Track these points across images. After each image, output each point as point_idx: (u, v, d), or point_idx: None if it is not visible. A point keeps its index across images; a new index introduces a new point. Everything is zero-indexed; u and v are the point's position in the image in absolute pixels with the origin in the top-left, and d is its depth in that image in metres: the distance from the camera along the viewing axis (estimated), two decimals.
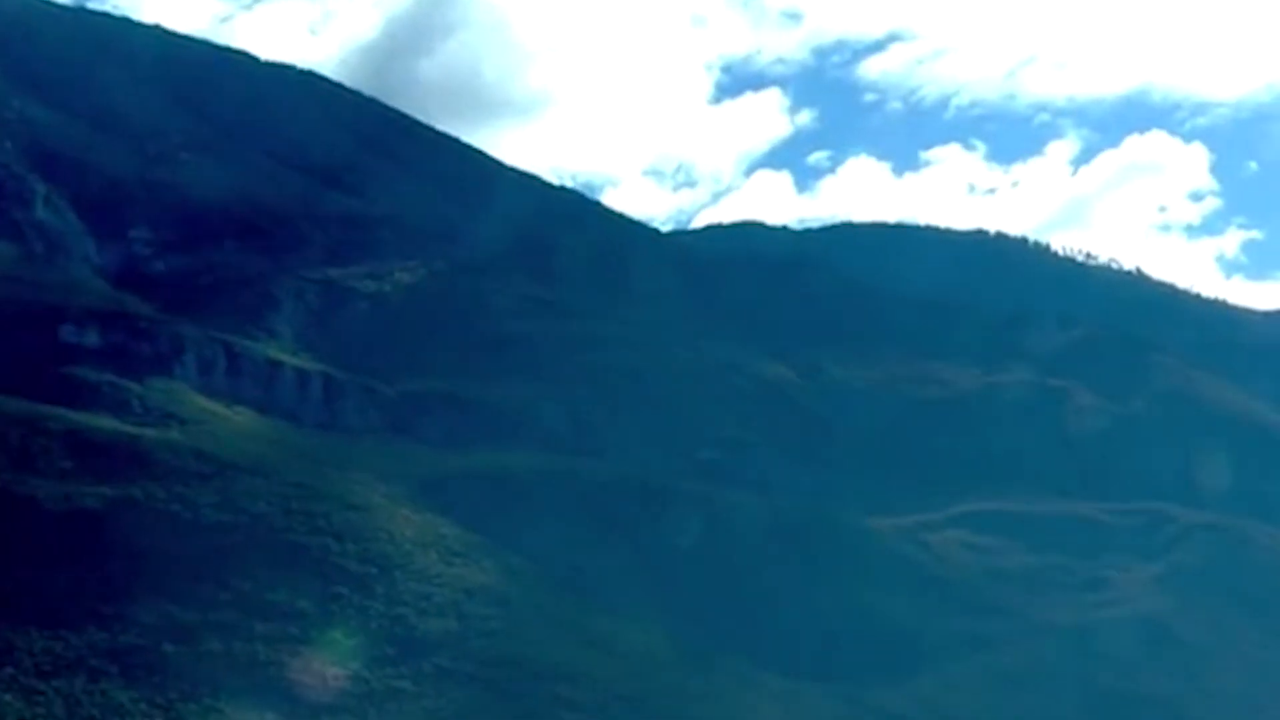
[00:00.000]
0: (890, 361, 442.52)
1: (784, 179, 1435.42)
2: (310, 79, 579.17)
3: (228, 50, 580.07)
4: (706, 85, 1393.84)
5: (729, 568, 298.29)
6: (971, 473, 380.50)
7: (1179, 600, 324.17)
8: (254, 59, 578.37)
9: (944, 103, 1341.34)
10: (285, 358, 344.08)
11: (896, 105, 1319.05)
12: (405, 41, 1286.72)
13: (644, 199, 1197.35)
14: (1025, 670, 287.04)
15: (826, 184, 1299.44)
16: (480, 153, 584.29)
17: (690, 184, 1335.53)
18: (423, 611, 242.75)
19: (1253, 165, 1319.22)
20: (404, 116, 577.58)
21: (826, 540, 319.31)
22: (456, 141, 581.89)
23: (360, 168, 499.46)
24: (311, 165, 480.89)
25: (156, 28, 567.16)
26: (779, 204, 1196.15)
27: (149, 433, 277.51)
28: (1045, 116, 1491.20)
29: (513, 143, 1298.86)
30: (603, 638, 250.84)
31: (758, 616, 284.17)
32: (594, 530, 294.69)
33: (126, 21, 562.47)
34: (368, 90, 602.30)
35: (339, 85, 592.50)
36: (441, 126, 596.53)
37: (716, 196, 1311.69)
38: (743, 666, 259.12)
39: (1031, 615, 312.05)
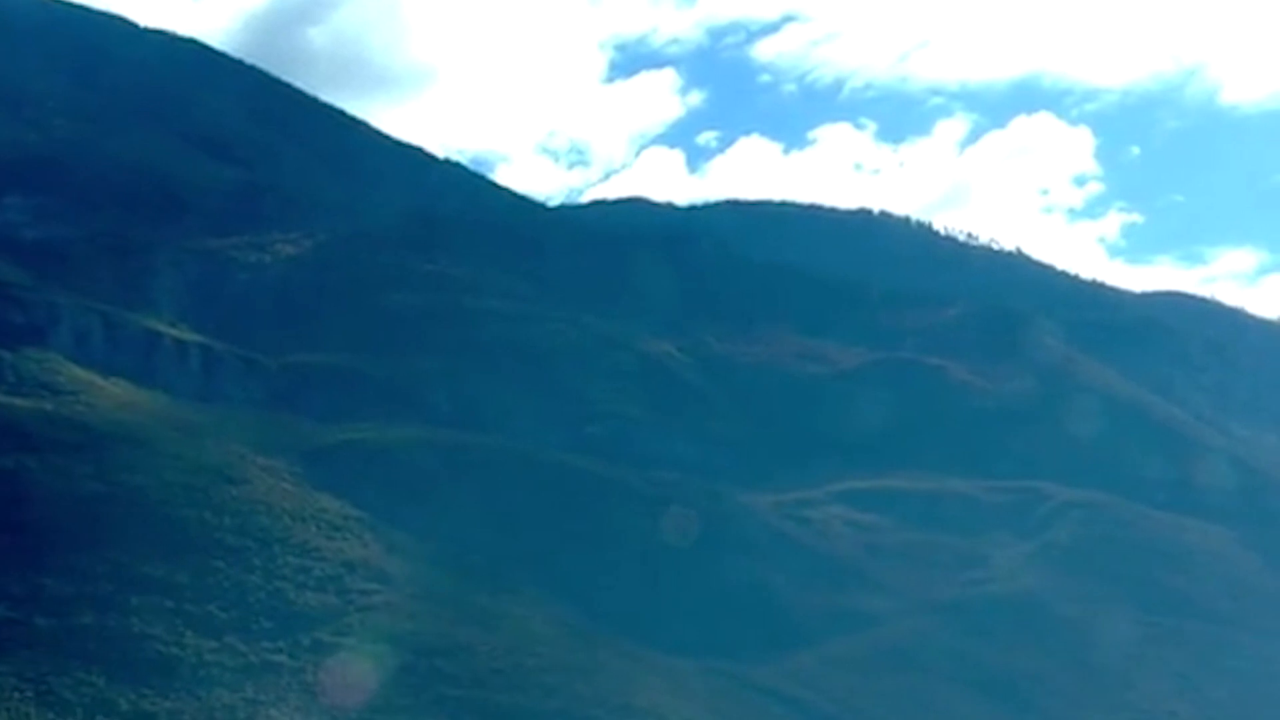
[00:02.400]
0: (772, 338, 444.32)
1: (675, 158, 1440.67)
2: (192, 46, 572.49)
3: (106, 15, 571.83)
4: (600, 64, 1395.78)
5: (611, 543, 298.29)
6: (852, 449, 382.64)
7: (1054, 577, 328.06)
8: (133, 25, 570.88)
9: (838, 85, 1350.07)
10: (163, 328, 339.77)
11: (791, 87, 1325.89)
12: (292, 11, 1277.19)
13: (537, 176, 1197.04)
14: (904, 647, 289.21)
15: (717, 163, 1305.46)
16: (366, 125, 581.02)
17: (583, 162, 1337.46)
18: (301, 585, 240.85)
19: (1135, 150, 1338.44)
20: (289, 87, 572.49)
21: (708, 516, 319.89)
22: (342, 113, 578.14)
23: (243, 137, 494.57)
24: (193, 134, 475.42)
25: None
26: (670, 183, 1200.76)
27: (22, 403, 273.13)
28: (938, 100, 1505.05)
29: (403, 117, 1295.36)
30: (483, 612, 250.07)
31: (640, 592, 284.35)
32: (476, 505, 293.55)
33: None
34: (251, 59, 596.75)
35: (221, 54, 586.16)
36: (328, 98, 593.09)
37: (609, 175, 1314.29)
38: (624, 642, 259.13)
39: (910, 592, 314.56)
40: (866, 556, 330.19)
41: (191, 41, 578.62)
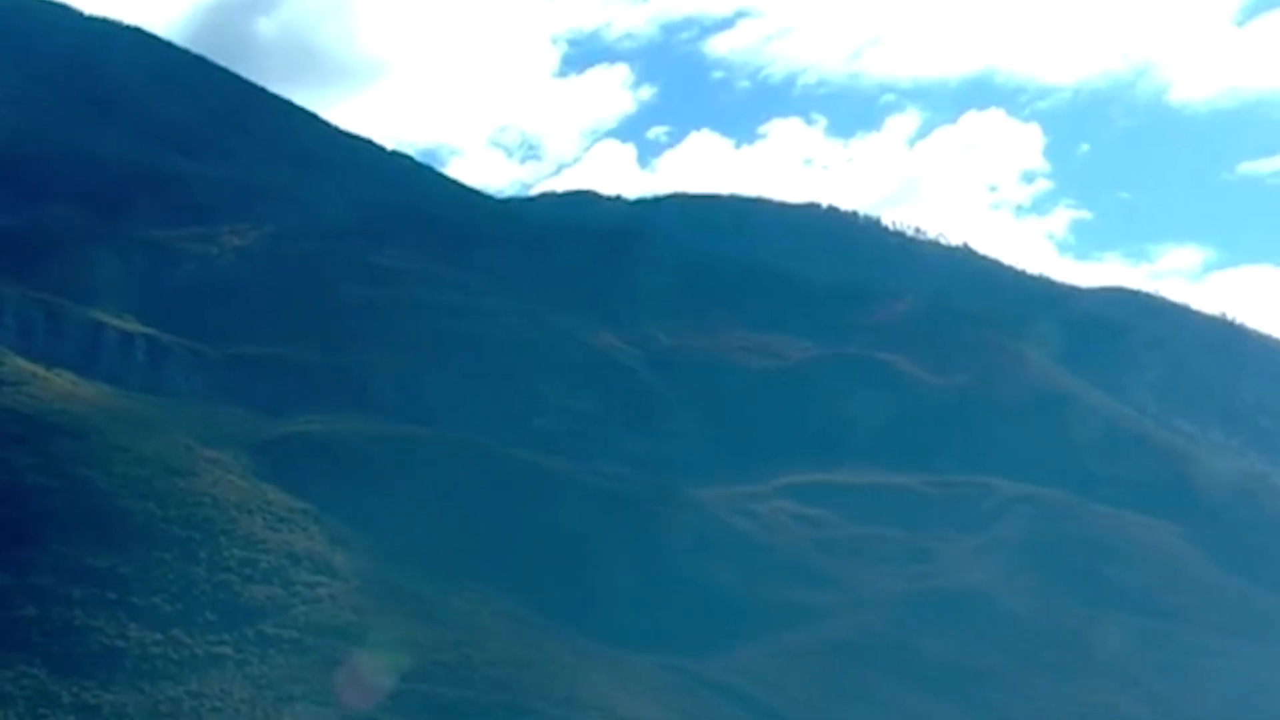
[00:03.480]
0: (721, 332, 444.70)
1: (627, 152, 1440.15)
2: (137, 35, 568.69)
3: (49, 3, 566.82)
4: (553, 58, 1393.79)
5: (559, 536, 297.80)
6: (800, 444, 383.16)
7: (1000, 572, 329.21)
8: (78, 13, 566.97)
9: (790, 81, 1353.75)
10: (108, 319, 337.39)
11: (744, 83, 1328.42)
12: (241, 1, 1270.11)
13: (488, 170, 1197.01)
14: (851, 641, 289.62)
15: (668, 158, 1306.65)
16: (314, 116, 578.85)
17: (535, 157, 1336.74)
18: (247, 578, 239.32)
19: (1084, 147, 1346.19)
20: (236, 78, 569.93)
21: (657, 510, 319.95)
22: (290, 104, 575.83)
23: (190, 128, 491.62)
24: (139, 124, 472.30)
25: None
26: (621, 177, 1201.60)
27: None
28: (890, 97, 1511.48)
29: (354, 109, 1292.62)
30: (429, 605, 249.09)
31: (587, 586, 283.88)
32: (423, 498, 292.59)
33: None
34: (198, 49, 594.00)
35: (168, 43, 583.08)
36: (277, 90, 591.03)
37: (560, 169, 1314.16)
38: (571, 636, 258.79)
39: (857, 586, 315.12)
40: (814, 551, 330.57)
41: (137, 30, 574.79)
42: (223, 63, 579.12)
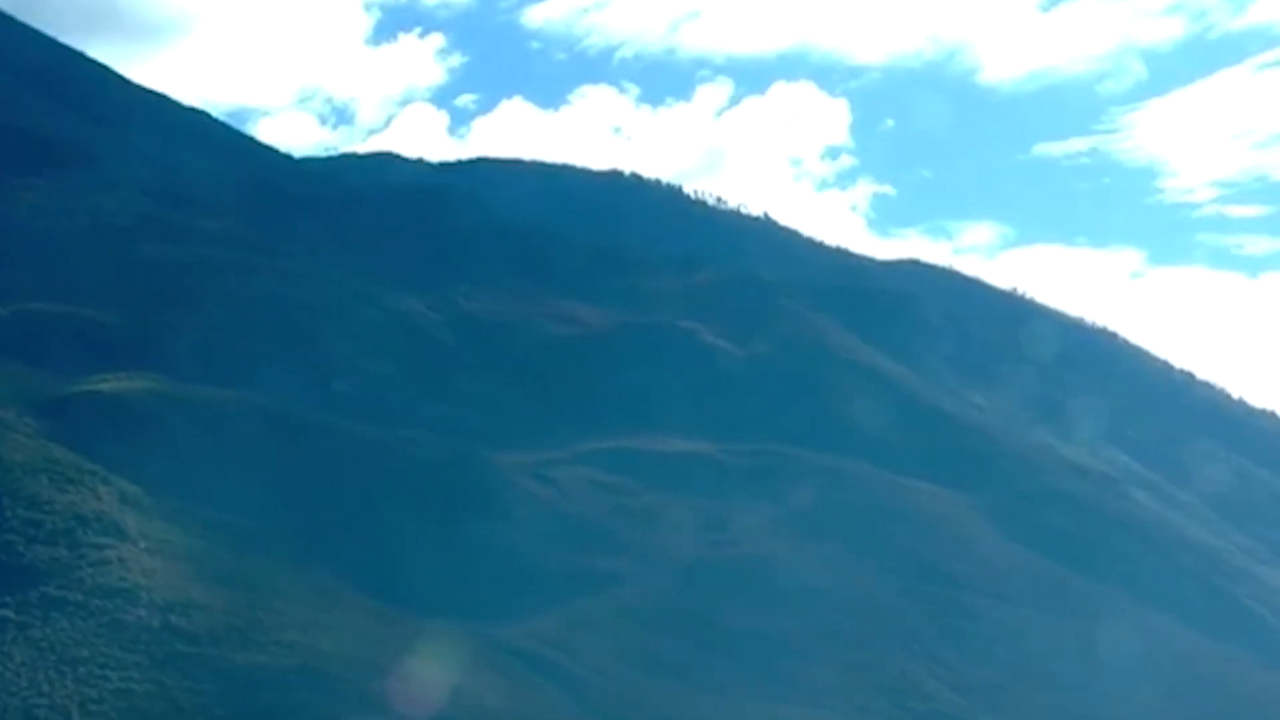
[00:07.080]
0: (523, 298, 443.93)
1: (439, 119, 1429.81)
2: None
3: None
4: (366, 24, 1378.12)
5: (357, 501, 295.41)
6: (599, 411, 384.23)
7: (794, 540, 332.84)
8: None
9: (607, 54, 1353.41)
10: None
11: (561, 55, 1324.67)
12: None
13: (297, 133, 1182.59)
14: (647, 607, 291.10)
15: (479, 125, 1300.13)
16: (110, 70, 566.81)
17: (346, 122, 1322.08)
18: (31, 539, 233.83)
19: (889, 123, 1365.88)
20: (29, 29, 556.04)
21: (454, 475, 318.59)
22: (84, 57, 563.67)
23: None
24: None
25: None
26: (431, 143, 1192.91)
27: None
28: (705, 72, 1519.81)
29: (156, 67, 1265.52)
30: (222, 568, 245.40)
31: (384, 550, 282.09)
32: (219, 461, 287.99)
33: None
34: None
35: None
36: (72, 43, 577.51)
37: (370, 134, 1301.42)
38: (368, 601, 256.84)
39: (654, 553, 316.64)
40: (612, 518, 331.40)
41: None
42: (13, 13, 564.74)
